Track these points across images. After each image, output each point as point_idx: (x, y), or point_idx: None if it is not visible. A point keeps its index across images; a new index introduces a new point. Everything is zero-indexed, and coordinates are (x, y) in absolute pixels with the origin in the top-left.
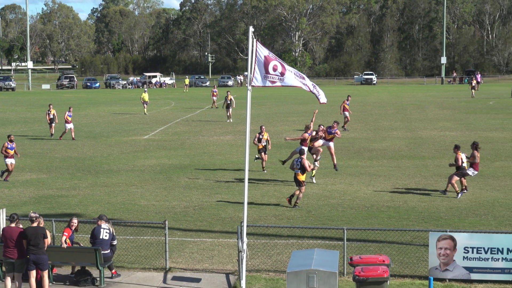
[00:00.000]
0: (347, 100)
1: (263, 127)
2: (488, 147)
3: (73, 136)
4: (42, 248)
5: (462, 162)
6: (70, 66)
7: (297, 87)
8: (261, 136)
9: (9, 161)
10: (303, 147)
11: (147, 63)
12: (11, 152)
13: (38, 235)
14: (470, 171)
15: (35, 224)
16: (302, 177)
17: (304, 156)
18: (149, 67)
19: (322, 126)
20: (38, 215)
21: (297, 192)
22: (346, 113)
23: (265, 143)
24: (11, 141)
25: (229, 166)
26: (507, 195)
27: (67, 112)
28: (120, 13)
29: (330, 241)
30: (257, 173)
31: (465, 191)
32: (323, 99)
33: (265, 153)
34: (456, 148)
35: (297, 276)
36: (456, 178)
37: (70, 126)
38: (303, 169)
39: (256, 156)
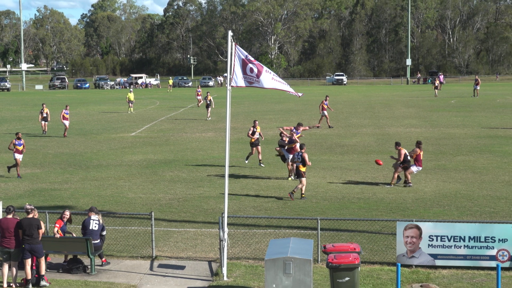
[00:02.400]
0: (326, 100)
1: (257, 121)
2: (450, 142)
3: (65, 134)
4: (36, 238)
5: (406, 156)
6: (59, 68)
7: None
8: (255, 130)
9: (18, 156)
10: (301, 144)
11: (133, 65)
12: (20, 148)
13: (32, 225)
14: (414, 168)
15: (30, 216)
16: (303, 169)
17: (304, 150)
18: (135, 68)
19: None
20: (33, 207)
21: (300, 186)
22: (325, 112)
23: (257, 136)
24: (18, 138)
25: (210, 161)
26: (468, 187)
27: (64, 110)
28: (108, 18)
29: (305, 230)
30: (237, 168)
31: (410, 184)
32: (297, 92)
33: (258, 145)
34: (397, 144)
35: (275, 263)
36: (400, 169)
37: (67, 123)
38: (303, 162)
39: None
